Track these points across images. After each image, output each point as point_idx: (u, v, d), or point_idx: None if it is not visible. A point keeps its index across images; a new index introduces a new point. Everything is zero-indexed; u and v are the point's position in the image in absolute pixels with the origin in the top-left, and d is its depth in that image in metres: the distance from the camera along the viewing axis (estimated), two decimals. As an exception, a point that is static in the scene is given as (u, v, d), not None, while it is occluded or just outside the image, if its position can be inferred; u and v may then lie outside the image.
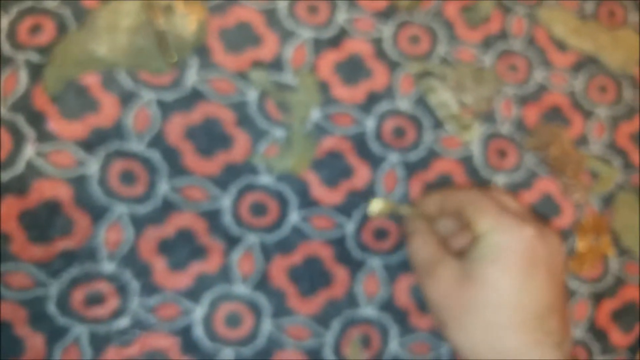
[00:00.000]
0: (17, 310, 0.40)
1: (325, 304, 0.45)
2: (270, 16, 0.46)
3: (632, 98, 0.52)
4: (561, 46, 0.52)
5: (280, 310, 0.44)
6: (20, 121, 0.42)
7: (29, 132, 0.42)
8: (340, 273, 0.45)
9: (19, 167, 0.41)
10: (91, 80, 0.43)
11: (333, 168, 0.46)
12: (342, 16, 0.48)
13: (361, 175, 0.46)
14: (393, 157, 0.47)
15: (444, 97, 0.48)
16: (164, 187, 0.43)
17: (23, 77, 0.42)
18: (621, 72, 0.52)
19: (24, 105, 0.42)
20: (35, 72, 0.42)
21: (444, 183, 0.48)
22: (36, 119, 0.42)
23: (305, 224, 0.45)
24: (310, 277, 0.45)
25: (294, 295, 0.45)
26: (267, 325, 0.44)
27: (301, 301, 0.45)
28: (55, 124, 0.42)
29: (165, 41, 0.41)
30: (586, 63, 0.52)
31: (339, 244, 0.45)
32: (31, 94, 0.42)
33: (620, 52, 0.52)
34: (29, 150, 0.42)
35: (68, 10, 0.43)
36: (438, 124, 0.48)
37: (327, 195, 0.46)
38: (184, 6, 0.44)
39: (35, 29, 0.43)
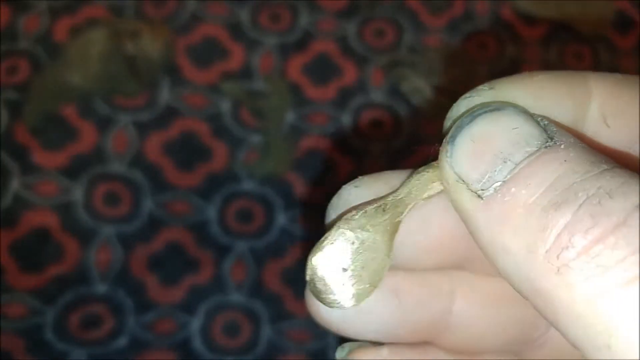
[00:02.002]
0: (15, 340, 0.41)
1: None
2: (235, 29, 0.48)
3: (609, 60, 0.51)
4: (529, 19, 0.52)
5: (278, 314, 0.44)
6: (4, 157, 0.43)
7: (13, 166, 0.43)
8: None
9: (7, 200, 0.43)
10: (68, 110, 0.45)
11: (314, 166, 0.46)
12: (304, 19, 0.49)
13: (344, 170, 0.46)
14: (375, 148, 0.47)
15: (417, 84, 0.48)
16: (148, 205, 0.44)
17: (3, 115, 0.44)
18: (594, 36, 0.52)
19: (6, 141, 0.44)
20: (15, 109, 0.44)
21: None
22: (19, 153, 0.43)
23: (293, 225, 0.45)
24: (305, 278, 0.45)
25: (290, 298, 0.44)
26: (266, 331, 0.44)
27: (299, 304, 0.44)
28: (38, 156, 0.44)
29: (135, 65, 0.43)
30: (557, 32, 0.52)
31: (329, 240, 0.45)
32: (13, 130, 0.44)
33: (590, 16, 0.51)
34: (15, 183, 0.43)
35: (40, 48, 0.46)
36: (415, 111, 0.48)
37: (312, 193, 0.46)
38: (150, 30, 0.46)
39: (12, 70, 0.45)
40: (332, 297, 0.16)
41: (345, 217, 0.16)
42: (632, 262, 0.12)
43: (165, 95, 0.46)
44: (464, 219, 0.15)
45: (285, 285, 0.44)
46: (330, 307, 0.16)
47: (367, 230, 0.16)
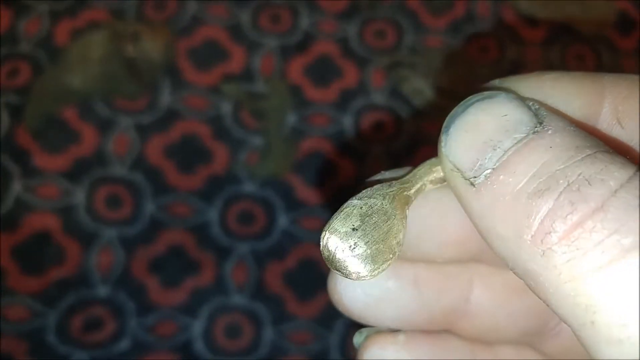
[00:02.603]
0: (17, 343, 0.41)
1: (325, 306, 0.44)
2: (235, 31, 0.48)
3: (611, 61, 0.51)
4: (531, 21, 0.52)
5: (280, 316, 0.44)
6: (6, 160, 0.43)
7: (14, 169, 0.43)
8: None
9: (8, 203, 0.43)
10: (69, 113, 0.45)
11: (315, 168, 0.46)
12: (305, 21, 0.49)
13: (345, 171, 0.46)
14: (376, 150, 0.47)
15: (417, 85, 0.48)
16: (149, 207, 0.44)
17: (4, 118, 0.44)
18: (596, 37, 0.52)
19: (7, 144, 0.44)
20: (16, 112, 0.44)
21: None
22: (20, 156, 0.44)
23: (295, 227, 0.45)
24: (307, 280, 0.45)
25: (291, 300, 0.44)
26: (268, 333, 0.44)
27: (300, 305, 0.44)
28: (39, 159, 0.44)
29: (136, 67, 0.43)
30: (558, 34, 0.51)
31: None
32: (14, 133, 0.44)
33: (591, 17, 0.51)
34: (17, 187, 0.43)
35: (41, 51, 0.46)
36: (416, 112, 0.48)
37: (313, 195, 0.46)
38: (150, 32, 0.46)
39: (12, 73, 0.45)
40: (346, 261, 0.15)
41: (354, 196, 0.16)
42: (609, 245, 0.13)
43: (166, 97, 0.46)
44: (462, 206, 0.16)
45: (286, 287, 0.44)
46: (350, 276, 0.15)
47: (375, 198, 0.16)
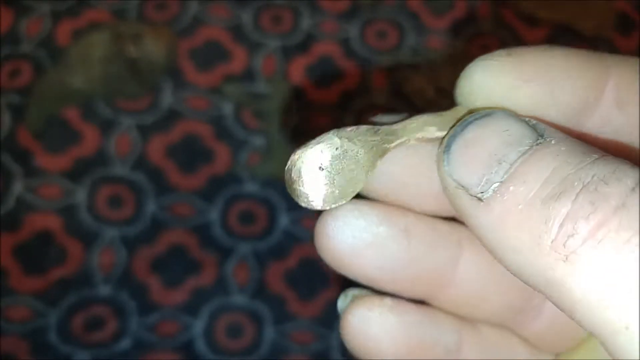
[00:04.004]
0: (19, 343, 0.41)
1: (326, 306, 0.44)
2: (237, 31, 0.48)
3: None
4: (531, 21, 0.52)
5: (281, 316, 0.44)
6: (7, 160, 0.43)
7: (16, 169, 0.43)
8: (338, 273, 0.45)
9: (9, 203, 0.43)
10: (71, 113, 0.45)
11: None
12: (306, 22, 0.49)
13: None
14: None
15: (419, 85, 0.48)
16: (151, 207, 0.44)
17: (6, 118, 0.44)
18: (596, 37, 0.52)
19: (9, 144, 0.44)
20: (17, 112, 0.44)
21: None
22: (22, 157, 0.44)
23: (296, 227, 0.45)
24: (308, 279, 0.45)
25: (293, 299, 0.44)
26: (269, 333, 0.44)
27: (301, 305, 0.44)
28: (41, 159, 0.44)
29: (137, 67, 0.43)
30: (560, 34, 0.52)
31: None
32: (15, 134, 0.44)
33: (591, 17, 0.52)
34: (18, 187, 0.43)
35: (43, 52, 0.46)
36: (417, 113, 0.48)
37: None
38: (152, 32, 0.46)
39: (14, 73, 0.45)
40: (302, 189, 0.16)
41: (340, 128, 0.17)
42: (637, 243, 0.12)
43: (167, 97, 0.46)
44: (469, 225, 0.15)
45: (288, 287, 0.44)
46: (300, 202, 0.16)
47: (354, 143, 0.16)
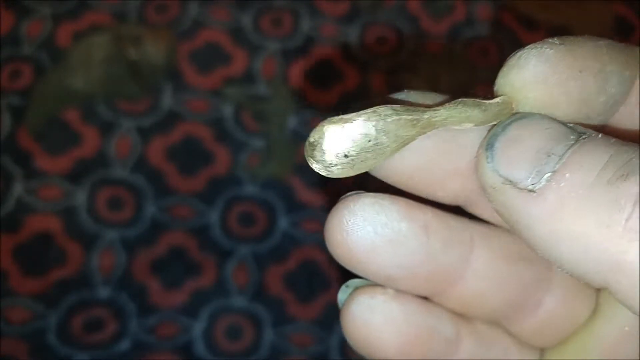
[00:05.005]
0: (18, 344, 0.41)
1: (325, 308, 0.45)
2: (237, 34, 0.48)
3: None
4: (530, 24, 0.52)
5: (281, 318, 0.44)
6: (7, 161, 0.44)
7: (16, 171, 0.44)
8: (337, 275, 0.45)
9: (10, 204, 0.43)
10: (71, 115, 0.45)
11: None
12: (306, 24, 0.49)
13: (345, 174, 0.47)
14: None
15: (418, 88, 0.48)
16: (151, 209, 0.44)
17: (6, 120, 0.44)
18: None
19: (9, 146, 0.44)
20: (18, 114, 0.44)
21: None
22: (22, 158, 0.44)
23: (295, 229, 0.45)
24: (307, 282, 0.45)
25: (292, 302, 0.44)
26: (269, 335, 0.44)
27: (300, 307, 0.44)
28: (41, 161, 0.44)
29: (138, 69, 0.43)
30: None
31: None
32: (15, 135, 0.44)
33: (590, 21, 0.52)
34: (18, 188, 0.43)
35: (44, 54, 0.46)
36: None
37: (314, 197, 0.46)
38: (152, 34, 0.46)
39: (15, 75, 0.45)
40: (318, 166, 0.16)
41: (385, 108, 0.16)
42: None
43: (167, 100, 0.46)
44: (514, 221, 0.15)
45: (287, 289, 0.44)
46: (311, 165, 0.16)
47: (389, 137, 0.16)
